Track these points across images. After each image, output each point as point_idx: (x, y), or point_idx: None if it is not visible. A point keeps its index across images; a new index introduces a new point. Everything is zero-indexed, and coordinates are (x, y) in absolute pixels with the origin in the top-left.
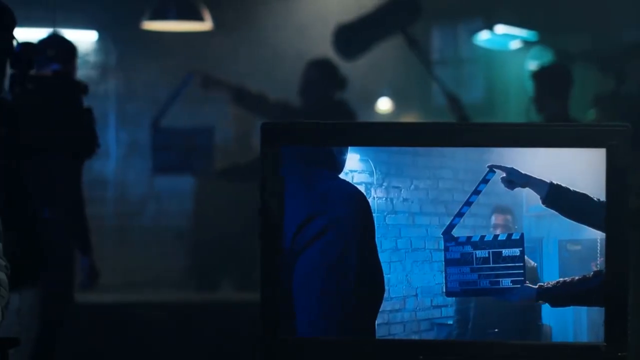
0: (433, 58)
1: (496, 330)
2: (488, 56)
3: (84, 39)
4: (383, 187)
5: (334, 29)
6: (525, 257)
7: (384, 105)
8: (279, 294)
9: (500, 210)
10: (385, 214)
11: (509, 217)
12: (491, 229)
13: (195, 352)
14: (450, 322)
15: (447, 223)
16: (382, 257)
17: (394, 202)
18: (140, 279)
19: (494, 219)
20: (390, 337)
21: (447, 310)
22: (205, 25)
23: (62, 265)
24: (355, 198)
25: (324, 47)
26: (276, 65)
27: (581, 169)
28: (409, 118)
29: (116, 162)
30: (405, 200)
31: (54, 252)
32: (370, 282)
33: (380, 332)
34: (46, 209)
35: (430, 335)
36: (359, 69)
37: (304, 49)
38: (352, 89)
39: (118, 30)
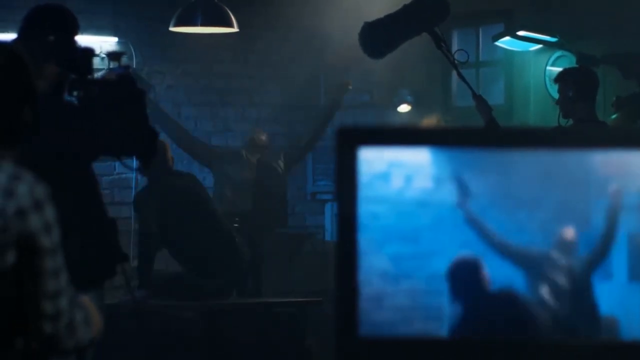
0: (455, 60)
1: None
2: (509, 59)
3: (106, 43)
4: (452, 181)
5: (362, 27)
6: None
7: (404, 107)
8: (355, 293)
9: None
10: (454, 207)
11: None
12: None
13: (219, 353)
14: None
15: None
16: (451, 252)
17: (464, 195)
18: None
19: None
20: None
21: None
22: (229, 30)
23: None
24: None
25: (343, 52)
26: (296, 69)
27: None
28: (430, 119)
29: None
30: (474, 194)
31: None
32: None
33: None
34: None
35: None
36: (380, 70)
37: (323, 54)
38: (374, 90)
39: (141, 35)
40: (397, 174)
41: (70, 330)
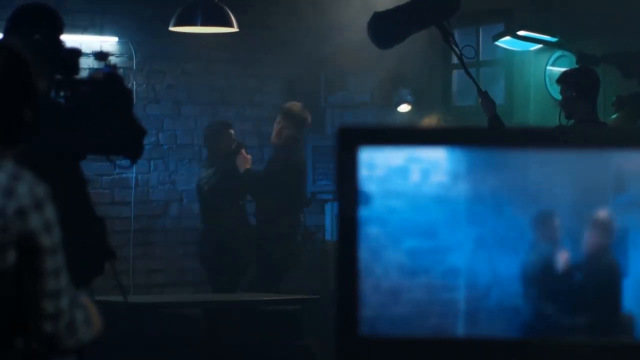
0: (455, 60)
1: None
2: (509, 59)
3: (106, 43)
4: (469, 176)
5: (371, 17)
6: None
7: (404, 107)
8: (356, 292)
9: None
10: (468, 201)
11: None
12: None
13: (218, 352)
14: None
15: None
16: (468, 245)
17: (479, 190)
18: (163, 280)
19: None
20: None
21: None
22: (229, 30)
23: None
24: None
25: (344, 52)
26: (296, 68)
27: None
28: (430, 119)
29: (139, 164)
30: (491, 189)
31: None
32: None
33: (468, 322)
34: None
35: (515, 326)
36: (380, 70)
37: (324, 54)
38: (374, 91)
39: (141, 35)
40: (415, 169)
41: (71, 330)
